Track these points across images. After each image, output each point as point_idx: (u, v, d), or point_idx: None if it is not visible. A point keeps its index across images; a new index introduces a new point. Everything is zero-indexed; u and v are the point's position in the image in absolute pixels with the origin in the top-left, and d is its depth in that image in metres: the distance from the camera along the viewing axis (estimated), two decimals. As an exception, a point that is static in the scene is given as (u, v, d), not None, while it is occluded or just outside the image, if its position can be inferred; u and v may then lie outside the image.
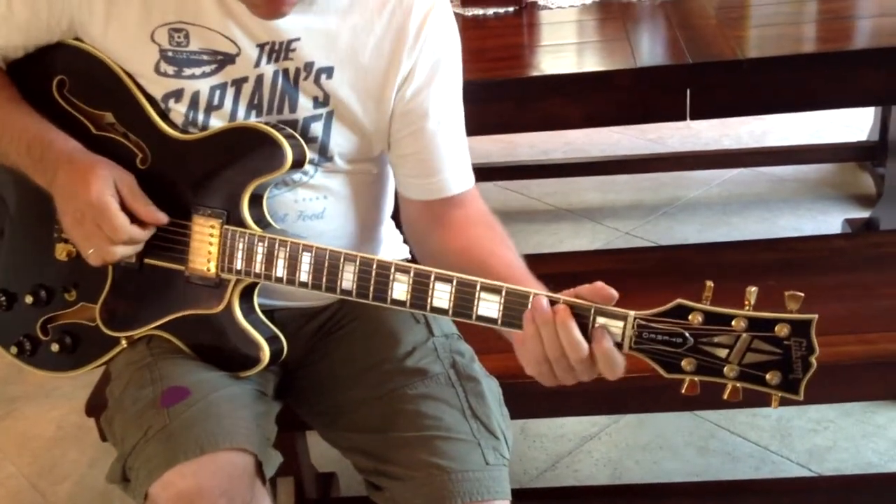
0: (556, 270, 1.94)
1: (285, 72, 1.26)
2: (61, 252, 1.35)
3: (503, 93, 1.96)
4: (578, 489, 2.02)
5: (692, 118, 1.90)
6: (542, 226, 3.14)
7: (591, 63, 2.17)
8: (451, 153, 1.34)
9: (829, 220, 2.95)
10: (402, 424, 1.26)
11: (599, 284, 1.08)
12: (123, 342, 1.34)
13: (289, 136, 1.24)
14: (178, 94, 1.27)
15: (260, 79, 1.26)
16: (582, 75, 2.00)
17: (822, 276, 1.78)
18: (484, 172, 3.30)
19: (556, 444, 2.16)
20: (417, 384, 1.29)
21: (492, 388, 1.33)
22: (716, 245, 2.29)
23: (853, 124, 3.51)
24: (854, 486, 1.92)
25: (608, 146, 3.63)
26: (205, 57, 1.25)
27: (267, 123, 1.24)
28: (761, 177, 3.29)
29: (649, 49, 2.10)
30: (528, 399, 1.56)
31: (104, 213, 1.19)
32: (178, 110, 1.27)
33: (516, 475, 2.03)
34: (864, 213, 2.92)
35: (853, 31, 2.18)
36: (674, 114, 1.93)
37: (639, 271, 1.88)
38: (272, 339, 1.28)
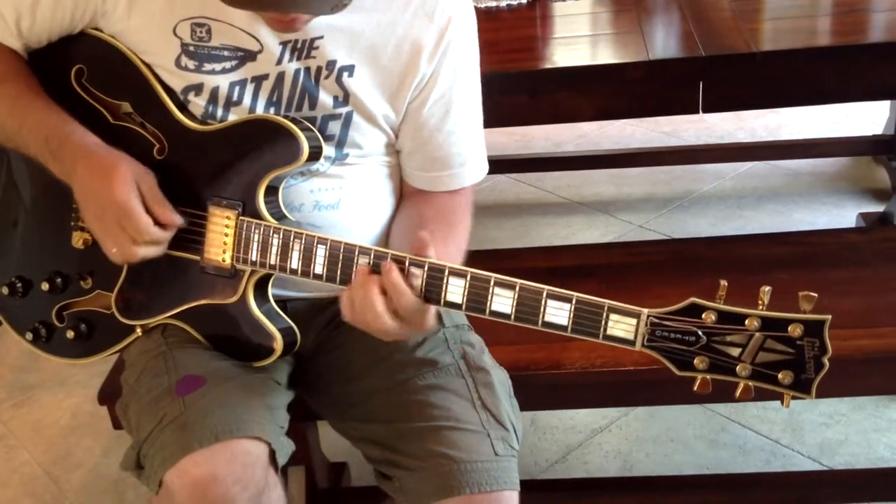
0: (569, 263, 1.96)
1: (307, 70, 1.27)
2: (77, 240, 1.36)
3: (516, 85, 1.97)
4: (588, 481, 2.02)
5: (705, 111, 1.90)
6: (555, 218, 3.14)
7: (605, 55, 2.17)
8: (458, 154, 1.36)
9: (843, 214, 2.94)
10: (412, 414, 1.27)
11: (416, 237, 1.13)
12: (138, 330, 1.35)
13: (305, 129, 1.24)
14: (197, 88, 1.28)
15: (281, 76, 1.27)
16: (595, 68, 2.00)
17: (835, 270, 1.78)
18: (498, 165, 3.27)
19: (566, 435, 2.16)
20: (427, 374, 1.30)
21: (501, 380, 1.34)
22: (729, 238, 2.29)
23: (868, 118, 3.49)
24: (865, 480, 1.91)
25: (622, 139, 3.62)
26: (226, 53, 1.26)
27: (285, 116, 1.25)
28: (776, 170, 3.28)
29: (663, 41, 2.10)
30: (538, 391, 1.57)
31: (128, 214, 1.20)
32: (198, 104, 1.28)
33: (526, 466, 2.04)
34: (878, 208, 2.91)
35: (868, 25, 2.17)
36: (687, 107, 1.93)
37: (651, 264, 1.88)
38: (286, 331, 1.29)
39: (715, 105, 1.94)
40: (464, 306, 1.13)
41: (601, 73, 1.96)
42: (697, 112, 1.89)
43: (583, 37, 2.22)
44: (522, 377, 1.42)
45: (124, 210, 1.20)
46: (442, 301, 1.13)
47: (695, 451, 2.07)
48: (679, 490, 1.93)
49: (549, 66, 2.06)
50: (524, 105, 1.98)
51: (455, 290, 1.13)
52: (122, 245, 1.22)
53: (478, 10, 2.31)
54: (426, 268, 1.13)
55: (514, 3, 2.36)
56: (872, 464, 1.98)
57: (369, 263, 1.14)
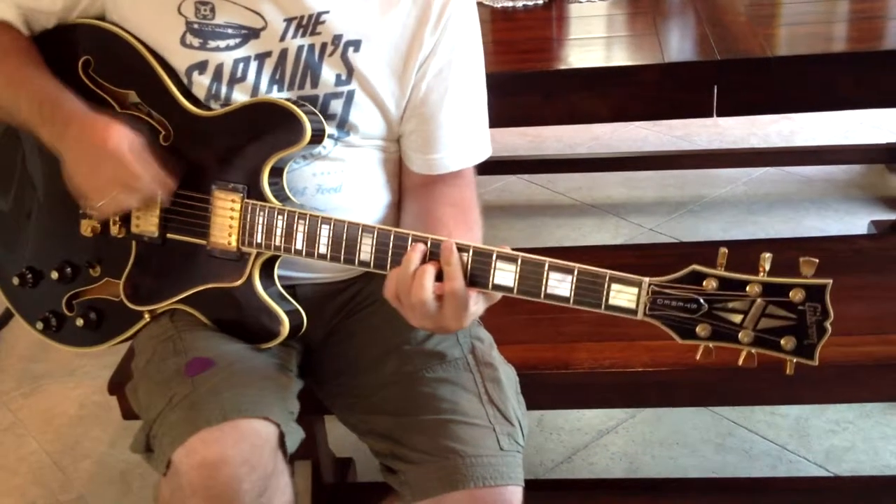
0: (580, 263, 1.96)
1: (311, 46, 1.28)
2: (86, 228, 1.36)
3: (530, 85, 1.97)
4: (594, 482, 2.02)
5: (719, 115, 1.89)
6: (565, 220, 3.14)
7: (620, 57, 2.17)
8: (457, 133, 1.36)
9: (855, 222, 2.93)
10: (419, 407, 1.27)
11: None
12: (147, 316, 1.36)
13: (308, 112, 1.25)
14: (202, 66, 1.29)
15: (284, 53, 1.28)
16: (610, 69, 2.00)
17: (846, 277, 1.75)
18: (510, 165, 3.31)
19: (572, 436, 2.16)
20: (436, 367, 1.30)
21: (509, 376, 1.34)
22: (741, 242, 2.28)
23: (882, 125, 3.49)
24: (871, 488, 1.91)
25: (635, 142, 3.62)
26: (230, 30, 1.27)
27: (287, 99, 1.26)
28: (788, 176, 3.27)
29: (678, 44, 2.10)
30: (545, 390, 1.57)
31: (125, 162, 1.21)
32: (202, 83, 1.29)
33: (532, 466, 2.04)
34: (891, 216, 2.90)
35: (884, 32, 2.16)
36: (701, 110, 1.92)
37: (662, 266, 1.86)
38: (292, 313, 1.29)
39: (729, 109, 1.93)
40: (466, 280, 1.12)
41: (616, 74, 1.96)
42: (711, 115, 1.89)
43: (598, 38, 2.22)
44: (530, 376, 1.42)
45: (120, 159, 1.21)
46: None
47: (701, 455, 2.06)
48: (684, 493, 1.93)
49: (563, 67, 2.06)
50: (538, 105, 1.98)
51: None
52: (114, 196, 1.23)
53: (494, 9, 2.35)
54: (428, 243, 1.14)
55: (531, 3, 2.36)
56: (878, 471, 1.97)
57: (426, 245, 1.13)
